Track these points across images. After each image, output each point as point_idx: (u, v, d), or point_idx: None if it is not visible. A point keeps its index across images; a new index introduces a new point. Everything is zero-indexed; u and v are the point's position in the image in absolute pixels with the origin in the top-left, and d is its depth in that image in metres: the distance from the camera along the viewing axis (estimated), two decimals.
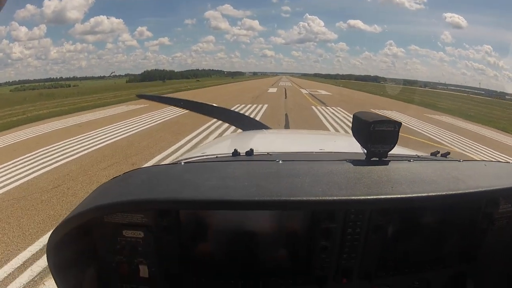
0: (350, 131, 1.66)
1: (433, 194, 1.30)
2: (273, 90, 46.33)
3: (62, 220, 1.22)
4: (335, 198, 1.24)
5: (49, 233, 1.24)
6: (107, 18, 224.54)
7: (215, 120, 15.28)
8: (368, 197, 1.26)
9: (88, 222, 1.31)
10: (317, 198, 1.23)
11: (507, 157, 11.44)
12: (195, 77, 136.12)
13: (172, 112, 18.91)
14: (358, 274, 1.51)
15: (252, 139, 3.14)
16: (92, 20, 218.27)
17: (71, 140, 11.99)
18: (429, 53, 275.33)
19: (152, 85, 65.76)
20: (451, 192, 1.32)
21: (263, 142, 2.95)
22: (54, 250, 1.23)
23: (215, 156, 1.88)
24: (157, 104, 22.79)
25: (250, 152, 1.72)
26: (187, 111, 15.19)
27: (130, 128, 14.49)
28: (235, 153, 1.74)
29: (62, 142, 11.73)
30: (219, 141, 4.07)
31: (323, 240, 1.41)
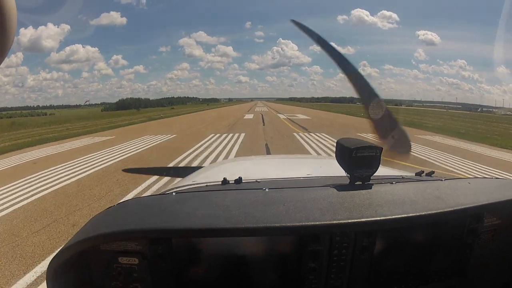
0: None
1: (413, 214, 1.36)
2: (249, 116, 45.09)
3: (60, 249, 1.29)
4: (318, 223, 1.30)
5: None
6: (83, 46, 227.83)
7: (184, 156, 13.89)
8: (350, 221, 1.32)
9: (85, 250, 1.36)
10: (301, 223, 1.29)
11: None
12: (170, 105, 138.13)
13: (138, 146, 17.49)
14: None
15: (241, 166, 3.33)
16: (67, 48, 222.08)
17: (15, 185, 10.11)
18: (403, 72, 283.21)
19: (126, 114, 65.28)
20: (430, 212, 1.39)
21: (251, 169, 3.07)
22: (53, 277, 1.29)
23: (205, 184, 1.92)
24: (123, 137, 21.69)
25: (238, 180, 1.79)
26: (155, 143, 15.82)
27: (86, 167, 12.55)
28: (225, 181, 1.80)
29: (3, 188, 9.74)
30: (208, 169, 3.84)
31: (311, 262, 1.44)
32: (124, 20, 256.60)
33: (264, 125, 30.65)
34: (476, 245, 1.63)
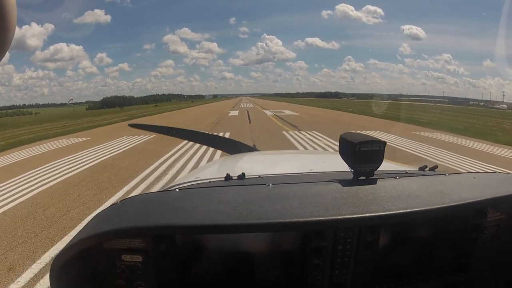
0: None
1: (418, 209, 1.35)
2: (234, 113, 43.35)
3: (63, 248, 1.27)
4: (322, 218, 1.28)
5: None
6: (67, 45, 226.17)
7: (160, 161, 12.19)
8: (355, 216, 1.30)
9: (88, 248, 1.35)
10: (305, 219, 1.27)
11: None
12: (155, 102, 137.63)
13: (112, 149, 15.89)
14: None
15: (244, 162, 3.20)
16: (51, 47, 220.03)
17: None
18: (388, 66, 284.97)
19: (109, 113, 64.20)
20: (435, 206, 1.37)
21: (254, 165, 3.04)
22: (56, 276, 1.28)
23: (208, 180, 1.92)
24: (100, 138, 20.57)
25: (242, 176, 1.78)
26: (131, 146, 15.68)
27: (47, 178, 10.71)
28: (228, 177, 1.78)
29: None
30: (212, 165, 4.06)
31: (315, 258, 1.43)
32: (108, 17, 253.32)
33: (250, 122, 29.08)
34: (480, 241, 1.60)
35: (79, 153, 15.13)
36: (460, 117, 38.19)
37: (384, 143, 1.50)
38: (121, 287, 1.42)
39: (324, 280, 1.45)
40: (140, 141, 18.54)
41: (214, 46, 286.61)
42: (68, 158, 13.96)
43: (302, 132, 20.59)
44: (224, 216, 1.27)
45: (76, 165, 12.60)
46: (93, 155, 14.63)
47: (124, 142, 18.30)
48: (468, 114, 44.77)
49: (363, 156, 1.49)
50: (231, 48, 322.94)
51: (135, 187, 9.20)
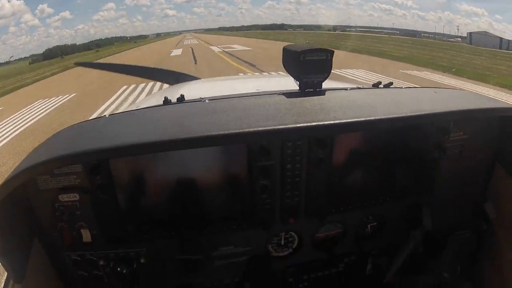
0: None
1: (371, 118, 1.26)
2: (177, 52, 37.60)
3: None
4: (263, 129, 1.21)
5: None
6: (8, 1, 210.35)
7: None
8: (300, 125, 1.23)
9: (24, 191, 1.32)
10: (244, 130, 1.20)
11: None
12: (98, 48, 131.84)
13: (14, 125, 11.24)
14: (305, 212, 1.49)
15: (186, 89, 2.97)
16: None
17: None
18: None
19: (46, 65, 55.43)
20: (392, 116, 1.27)
21: (197, 90, 2.87)
22: None
23: (146, 107, 1.75)
24: (12, 105, 15.54)
25: (181, 99, 1.66)
26: (36, 119, 12.01)
27: None
28: (166, 101, 1.65)
29: None
30: (152, 96, 3.70)
31: (262, 179, 1.39)
32: None
33: (196, 63, 24.34)
34: (443, 161, 1.59)
35: None
36: (428, 51, 33.65)
37: (332, 52, 1.41)
38: (64, 230, 1.38)
39: (275, 203, 1.41)
40: (53, 107, 13.87)
41: None
42: None
43: (265, 73, 16.07)
44: (156, 135, 1.20)
45: None
46: None
47: (32, 112, 13.35)
48: (432, 48, 40.22)
49: (308, 66, 1.41)
50: None
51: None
